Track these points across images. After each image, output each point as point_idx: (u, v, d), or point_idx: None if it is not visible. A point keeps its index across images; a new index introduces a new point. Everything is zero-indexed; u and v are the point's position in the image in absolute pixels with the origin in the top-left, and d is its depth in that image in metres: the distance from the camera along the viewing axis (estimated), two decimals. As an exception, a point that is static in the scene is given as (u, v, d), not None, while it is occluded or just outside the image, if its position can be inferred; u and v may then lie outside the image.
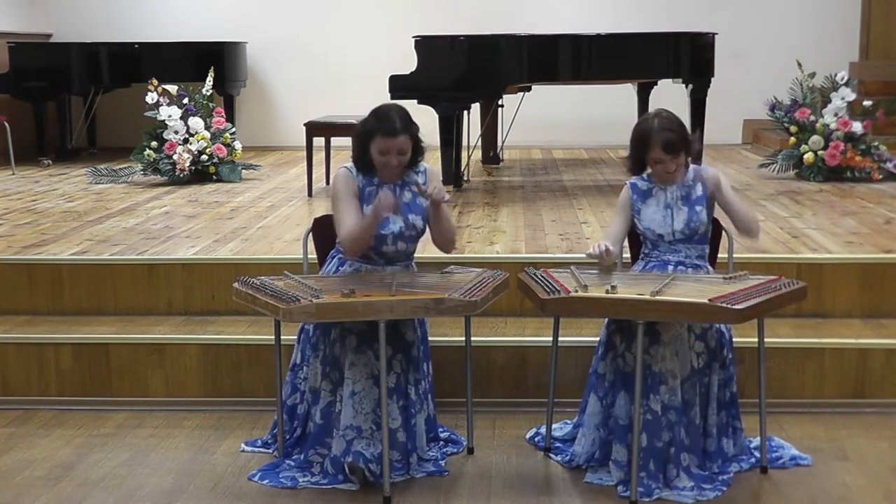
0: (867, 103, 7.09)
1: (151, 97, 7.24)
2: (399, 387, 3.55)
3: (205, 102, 7.41)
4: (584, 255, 3.70)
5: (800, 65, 7.13)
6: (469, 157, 7.49)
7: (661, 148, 3.56)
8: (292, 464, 3.60)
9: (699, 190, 3.67)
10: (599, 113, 9.47)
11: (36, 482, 3.56)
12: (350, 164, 3.69)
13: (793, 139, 7.08)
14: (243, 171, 7.55)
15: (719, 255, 3.87)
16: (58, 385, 4.32)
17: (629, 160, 3.74)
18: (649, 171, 3.72)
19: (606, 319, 3.61)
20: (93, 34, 9.34)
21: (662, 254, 3.69)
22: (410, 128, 3.60)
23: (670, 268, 3.64)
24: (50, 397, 4.31)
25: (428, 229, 3.72)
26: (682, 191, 3.67)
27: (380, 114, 3.60)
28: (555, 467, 3.63)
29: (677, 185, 3.67)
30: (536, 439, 3.82)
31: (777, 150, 7.45)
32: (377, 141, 3.56)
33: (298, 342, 3.73)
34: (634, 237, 3.82)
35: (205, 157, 7.24)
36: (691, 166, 3.72)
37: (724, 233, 3.83)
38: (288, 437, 3.71)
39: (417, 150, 3.67)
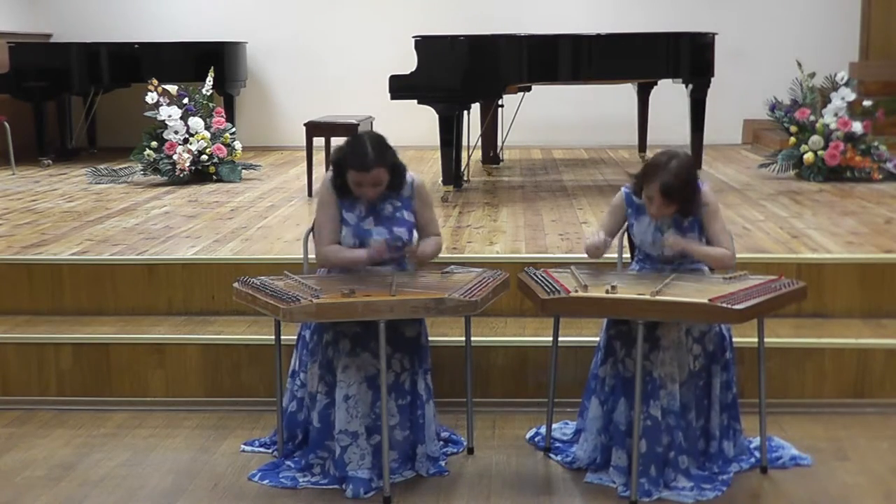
0: (867, 103, 7.09)
1: (151, 97, 7.24)
2: (398, 385, 3.54)
3: (205, 102, 7.41)
4: (584, 256, 3.67)
5: (800, 65, 7.13)
6: (469, 157, 7.48)
7: (658, 187, 3.45)
8: (292, 465, 3.59)
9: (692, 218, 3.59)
10: (599, 113, 9.48)
11: (36, 482, 3.56)
12: None
13: (793, 139, 7.08)
14: (243, 171, 7.55)
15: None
16: (58, 385, 4.33)
17: (636, 177, 3.62)
18: None
19: (605, 322, 3.61)
20: (93, 34, 9.33)
21: (655, 263, 3.67)
22: (384, 158, 3.52)
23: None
24: (50, 397, 4.31)
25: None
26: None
27: (353, 146, 3.54)
28: (555, 467, 3.62)
29: None
30: (536, 439, 3.82)
31: (777, 150, 7.44)
32: (351, 174, 3.54)
33: (297, 349, 3.72)
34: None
35: (205, 157, 7.24)
36: None
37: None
38: (289, 443, 3.69)
39: (397, 175, 3.61)
